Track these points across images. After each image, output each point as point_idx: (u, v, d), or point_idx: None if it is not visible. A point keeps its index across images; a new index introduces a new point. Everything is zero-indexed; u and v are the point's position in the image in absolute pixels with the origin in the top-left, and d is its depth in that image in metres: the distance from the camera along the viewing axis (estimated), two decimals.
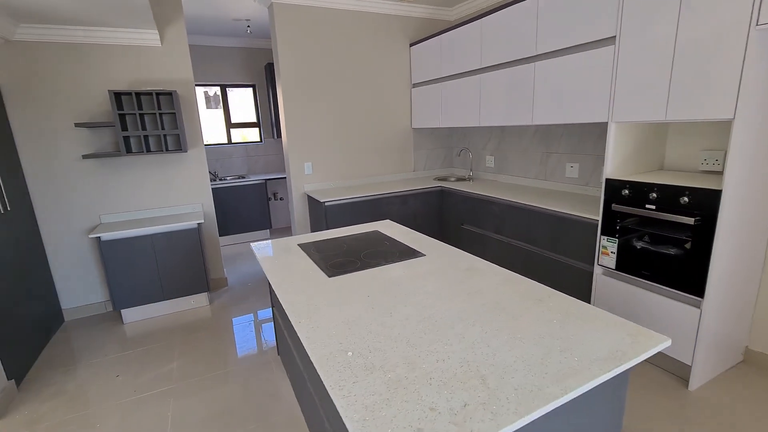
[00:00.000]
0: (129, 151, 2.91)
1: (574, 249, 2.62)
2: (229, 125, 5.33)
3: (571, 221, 2.58)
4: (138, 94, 2.89)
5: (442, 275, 1.59)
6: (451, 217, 3.83)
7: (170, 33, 3.12)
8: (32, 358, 2.60)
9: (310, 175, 3.86)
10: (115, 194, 3.17)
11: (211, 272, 3.58)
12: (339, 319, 1.27)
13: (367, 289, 1.48)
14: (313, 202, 3.68)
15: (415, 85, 4.16)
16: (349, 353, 1.07)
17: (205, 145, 5.21)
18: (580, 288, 2.62)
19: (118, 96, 2.83)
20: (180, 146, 3.09)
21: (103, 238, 2.85)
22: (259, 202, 5.06)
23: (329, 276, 1.64)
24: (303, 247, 2.06)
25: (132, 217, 3.24)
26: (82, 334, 2.95)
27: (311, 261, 1.84)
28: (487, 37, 3.10)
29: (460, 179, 4.20)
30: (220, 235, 4.96)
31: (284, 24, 3.46)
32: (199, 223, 3.12)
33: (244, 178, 5.11)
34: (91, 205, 3.12)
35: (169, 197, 3.35)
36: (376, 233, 2.26)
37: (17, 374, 2.37)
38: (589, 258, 2.53)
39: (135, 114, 2.89)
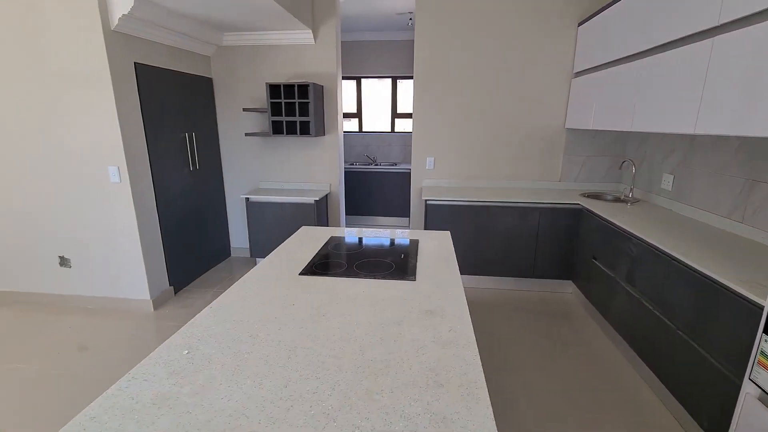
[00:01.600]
0: (275, 132, 3.55)
1: (720, 340, 1.64)
2: (394, 115, 5.67)
3: (726, 296, 1.61)
4: (286, 86, 3.46)
5: (392, 308, 1.31)
6: (584, 245, 2.99)
7: (323, 32, 3.55)
8: (195, 277, 3.63)
9: (431, 170, 3.73)
10: (270, 166, 3.96)
11: None
12: (244, 314, 1.25)
13: (309, 297, 1.39)
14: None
15: (577, 74, 3.34)
16: (185, 351, 1.06)
17: (367, 131, 5.75)
18: (714, 401, 1.64)
19: (274, 87, 3.47)
20: (316, 131, 3.54)
21: (250, 200, 3.62)
22: (402, 189, 5.25)
23: (299, 274, 1.61)
24: (330, 240, 2.07)
25: (279, 186, 3.97)
26: (238, 267, 3.90)
27: (311, 254, 1.84)
28: None
29: (617, 199, 3.18)
30: (360, 215, 5.46)
31: (424, 11, 3.38)
32: (316, 201, 3.54)
33: (395, 165, 5.38)
34: (254, 173, 3.99)
35: (307, 174, 3.91)
36: (413, 243, 2.03)
37: (179, 284, 3.38)
38: (740, 362, 1.53)
39: (280, 102, 3.48)
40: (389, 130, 5.76)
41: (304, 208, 3.56)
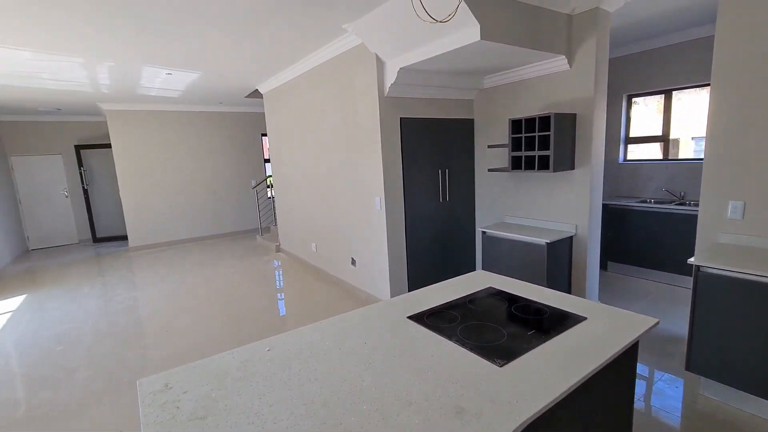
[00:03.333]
0: (514, 167, 3.46)
1: None
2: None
3: None
4: (527, 120, 3.29)
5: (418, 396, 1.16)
6: None
7: (580, 56, 3.13)
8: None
9: (735, 220, 2.47)
10: (514, 201, 3.86)
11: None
12: (312, 347, 1.50)
13: (395, 345, 1.45)
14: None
15: None
16: (170, 388, 1.42)
17: (675, 159, 4.36)
18: None
19: (515, 122, 3.40)
20: (560, 165, 3.17)
21: (486, 233, 3.71)
22: None
23: (407, 317, 1.65)
24: (484, 289, 1.91)
25: (520, 222, 3.80)
26: None
27: (444, 299, 1.79)
28: None
29: None
30: (631, 264, 4.18)
31: None
32: (548, 242, 3.17)
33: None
34: (500, 207, 4.02)
35: (549, 211, 3.54)
36: (571, 320, 1.54)
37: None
38: None
39: (521, 137, 3.34)
40: (696, 156, 4.12)
41: (534, 249, 3.27)
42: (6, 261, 6.50)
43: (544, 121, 3.18)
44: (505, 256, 3.54)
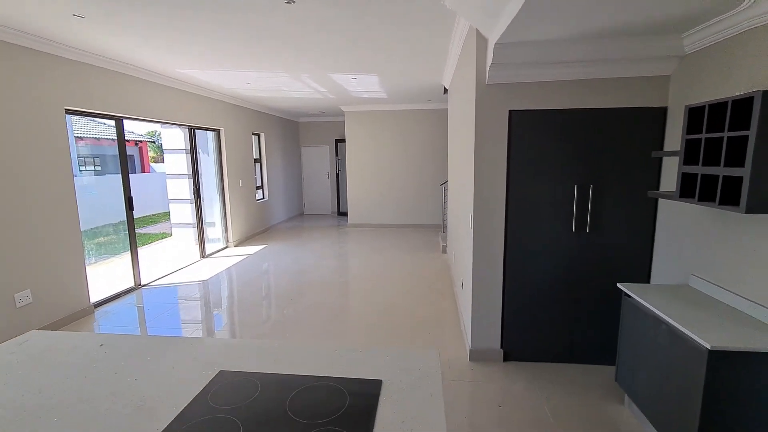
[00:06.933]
0: (683, 195, 1.86)
1: None
2: None
3: None
4: (715, 107, 1.67)
5: None
6: None
7: None
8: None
9: None
10: (708, 251, 2.11)
11: None
12: None
13: None
14: None
15: None
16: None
17: None
18: None
19: (696, 111, 1.80)
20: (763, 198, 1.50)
21: (629, 296, 2.25)
22: None
23: None
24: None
25: (714, 292, 2.05)
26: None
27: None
28: None
29: None
30: None
31: None
32: (711, 350, 1.60)
33: None
34: (685, 255, 2.30)
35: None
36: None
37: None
38: None
39: (699, 139, 1.74)
40: None
41: (688, 353, 1.72)
42: (286, 218, 9.38)
43: (744, 106, 1.56)
44: (648, 349, 2.05)
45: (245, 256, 6.19)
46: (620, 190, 2.63)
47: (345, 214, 9.91)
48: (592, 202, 2.66)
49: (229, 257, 6.17)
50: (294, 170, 9.87)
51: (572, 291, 2.78)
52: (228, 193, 6.64)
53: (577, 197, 2.67)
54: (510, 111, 2.65)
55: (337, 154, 9.94)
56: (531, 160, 2.68)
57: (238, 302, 4.35)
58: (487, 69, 2.54)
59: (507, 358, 2.93)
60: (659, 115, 2.54)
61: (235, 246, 6.85)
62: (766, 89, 1.51)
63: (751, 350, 1.57)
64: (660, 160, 2.57)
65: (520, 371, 2.80)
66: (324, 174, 10.26)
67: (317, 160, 10.22)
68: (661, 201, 2.59)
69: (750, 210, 1.52)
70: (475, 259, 2.83)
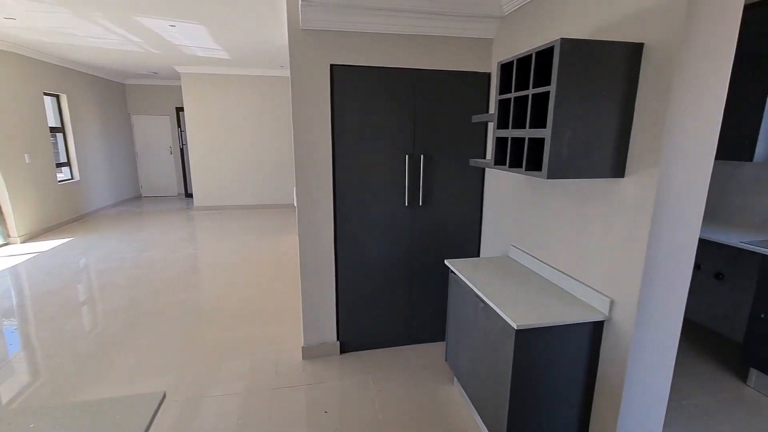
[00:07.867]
0: (497, 161, 1.73)
1: None
2: None
3: None
4: (521, 61, 1.52)
5: None
6: None
7: None
8: None
9: None
10: (524, 222, 2.09)
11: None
12: None
13: None
14: None
15: None
16: None
17: None
18: None
19: (506, 67, 1.65)
20: (578, 165, 1.39)
21: (452, 272, 2.11)
22: None
23: None
24: None
25: (529, 262, 2.03)
26: None
27: None
28: None
29: None
30: None
31: None
32: (518, 329, 1.47)
33: None
34: (505, 227, 2.27)
35: (580, 258, 1.72)
36: None
37: None
38: None
39: (509, 99, 1.59)
40: None
41: (500, 331, 1.59)
42: (113, 202, 7.59)
43: (545, 57, 1.41)
44: (469, 327, 1.92)
45: (34, 254, 4.69)
46: (451, 160, 2.49)
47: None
48: (423, 174, 2.47)
49: (12, 256, 4.60)
50: (122, 144, 8.02)
51: (408, 270, 2.59)
52: (3, 171, 4.90)
53: (409, 168, 2.44)
54: (332, 65, 2.23)
55: (180, 126, 8.41)
56: (359, 127, 2.33)
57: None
58: (299, 7, 2.05)
59: (345, 349, 2.63)
60: (485, 80, 2.43)
61: (23, 242, 5.17)
62: (549, 43, 1.37)
63: (549, 324, 1.49)
64: (485, 126, 2.49)
65: (355, 363, 2.52)
66: (165, 149, 8.63)
67: (155, 131, 8.51)
68: (487, 171, 2.54)
69: (552, 175, 1.39)
70: (302, 241, 2.41)
